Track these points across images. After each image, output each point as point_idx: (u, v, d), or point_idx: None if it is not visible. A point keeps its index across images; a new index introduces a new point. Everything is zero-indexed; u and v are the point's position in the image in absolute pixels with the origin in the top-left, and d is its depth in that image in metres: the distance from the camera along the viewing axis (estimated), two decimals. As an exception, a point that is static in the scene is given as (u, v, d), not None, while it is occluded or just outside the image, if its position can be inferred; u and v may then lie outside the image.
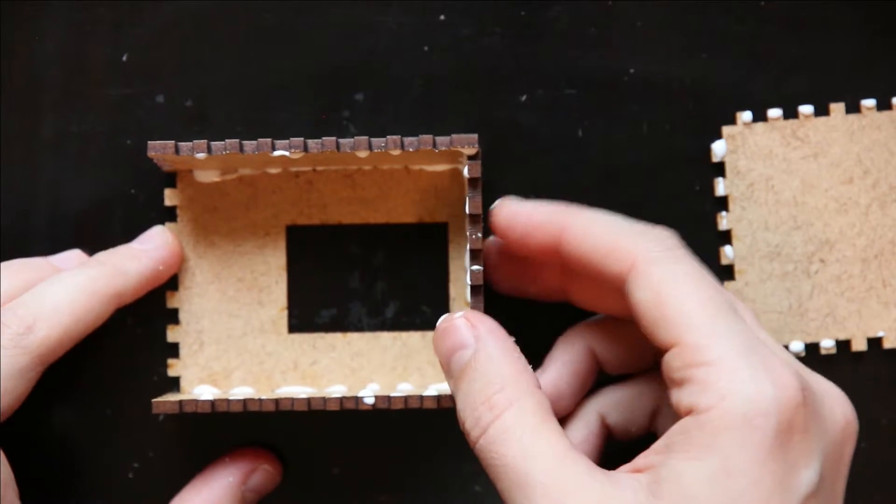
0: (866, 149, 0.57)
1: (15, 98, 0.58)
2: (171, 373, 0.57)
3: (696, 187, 0.58)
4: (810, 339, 0.57)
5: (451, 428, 0.58)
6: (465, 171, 0.53)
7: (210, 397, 0.54)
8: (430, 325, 0.58)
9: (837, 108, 0.57)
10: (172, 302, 0.57)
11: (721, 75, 0.57)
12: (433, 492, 0.57)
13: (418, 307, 0.58)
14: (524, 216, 0.53)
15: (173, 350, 0.58)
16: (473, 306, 0.53)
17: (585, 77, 0.58)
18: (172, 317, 0.58)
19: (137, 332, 0.58)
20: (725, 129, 0.57)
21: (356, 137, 0.53)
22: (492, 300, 0.57)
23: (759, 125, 0.57)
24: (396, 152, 0.53)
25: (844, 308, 0.57)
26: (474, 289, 0.53)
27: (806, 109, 0.57)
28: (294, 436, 0.58)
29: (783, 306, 0.57)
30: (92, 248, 0.58)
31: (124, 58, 0.58)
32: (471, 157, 0.52)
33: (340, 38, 0.58)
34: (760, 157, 0.57)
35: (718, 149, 0.57)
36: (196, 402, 0.53)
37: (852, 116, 0.57)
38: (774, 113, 0.57)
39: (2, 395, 0.51)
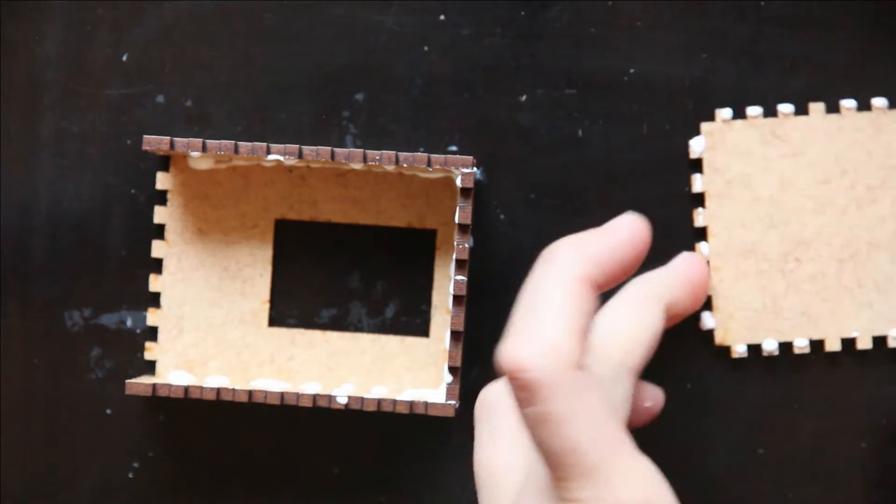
0: (845, 149, 0.57)
1: (15, 98, 0.58)
2: (148, 356, 0.57)
3: (696, 188, 0.58)
4: (784, 339, 0.57)
5: (451, 428, 0.58)
6: (458, 181, 0.53)
7: (185, 383, 0.54)
8: (409, 330, 0.58)
9: (817, 107, 0.57)
10: (155, 286, 0.57)
11: (721, 75, 0.57)
12: (433, 492, 0.57)
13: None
14: None
15: (152, 334, 0.58)
16: (454, 316, 0.53)
17: (585, 77, 0.58)
18: (154, 300, 0.58)
19: (143, 333, 0.58)
20: (704, 126, 0.57)
21: (351, 149, 0.53)
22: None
23: (738, 122, 0.57)
24: (391, 167, 0.53)
25: (818, 308, 0.57)
26: (457, 298, 0.53)
27: (785, 108, 0.57)
28: (294, 435, 0.58)
29: (757, 304, 0.57)
30: (92, 247, 0.58)
31: (124, 58, 0.58)
32: (465, 168, 0.52)
33: (340, 38, 0.58)
34: (739, 154, 0.57)
35: (696, 145, 0.57)
36: (169, 386, 0.53)
37: (832, 116, 0.57)
38: (754, 111, 0.57)
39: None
